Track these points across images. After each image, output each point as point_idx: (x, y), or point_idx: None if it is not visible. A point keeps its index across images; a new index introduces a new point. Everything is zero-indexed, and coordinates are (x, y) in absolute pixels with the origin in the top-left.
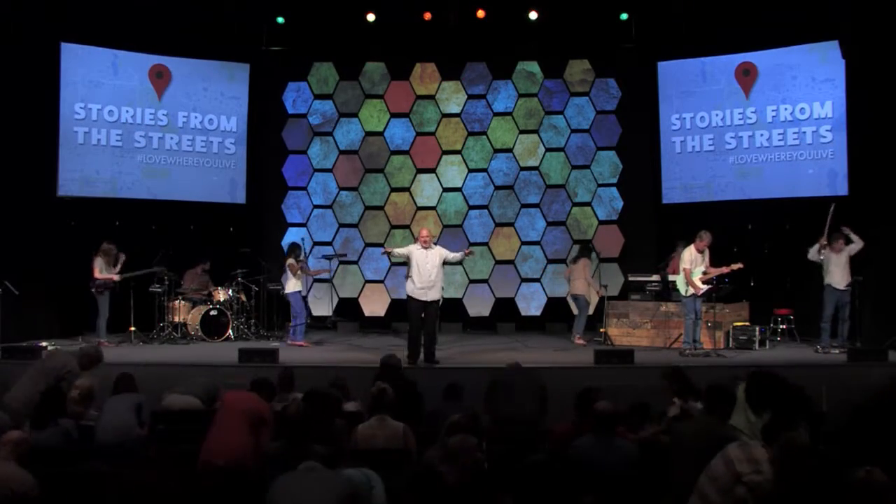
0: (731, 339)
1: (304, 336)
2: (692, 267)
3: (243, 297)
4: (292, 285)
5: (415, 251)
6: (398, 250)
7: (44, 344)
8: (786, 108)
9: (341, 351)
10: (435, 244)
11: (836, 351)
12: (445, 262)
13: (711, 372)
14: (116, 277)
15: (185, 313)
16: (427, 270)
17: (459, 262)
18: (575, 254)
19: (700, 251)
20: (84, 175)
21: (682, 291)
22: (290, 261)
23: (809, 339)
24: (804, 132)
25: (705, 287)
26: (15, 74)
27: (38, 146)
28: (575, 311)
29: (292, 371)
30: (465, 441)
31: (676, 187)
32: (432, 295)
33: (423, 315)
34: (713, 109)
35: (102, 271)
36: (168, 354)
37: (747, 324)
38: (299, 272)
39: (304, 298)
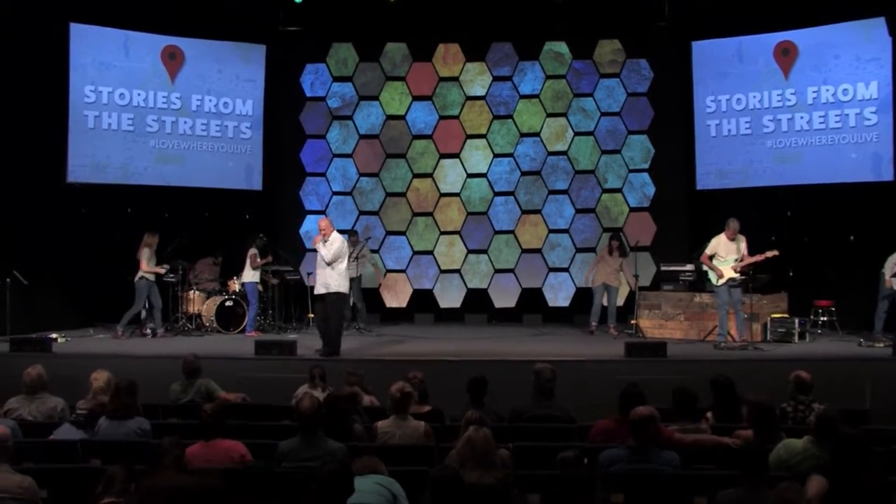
0: (768, 332)
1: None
2: (713, 253)
3: (260, 288)
4: (249, 275)
5: (318, 246)
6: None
7: (54, 336)
8: (827, 90)
9: (361, 344)
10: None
11: (881, 345)
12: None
13: (747, 367)
14: (161, 271)
15: (199, 304)
16: (318, 265)
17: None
18: None
19: (731, 239)
20: (94, 161)
21: (713, 281)
22: (253, 251)
23: (853, 332)
24: (847, 114)
25: (734, 274)
26: (23, 56)
27: (46, 131)
28: None
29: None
30: (486, 440)
31: (711, 173)
32: (322, 289)
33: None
34: (750, 91)
35: (150, 263)
36: (182, 347)
37: (786, 316)
38: (257, 262)
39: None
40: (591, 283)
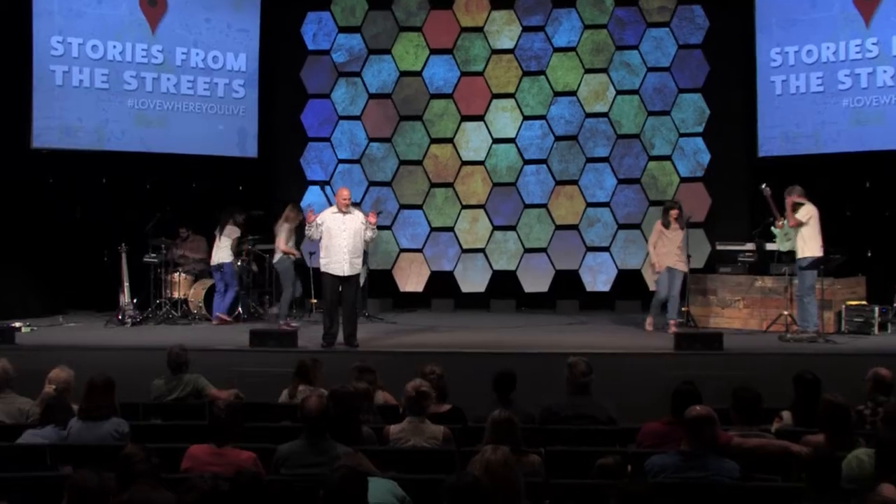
0: (843, 322)
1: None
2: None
3: (255, 269)
4: (228, 255)
5: (328, 216)
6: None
7: (17, 325)
8: None
9: (371, 334)
10: (359, 209)
11: None
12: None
13: (819, 362)
14: (296, 253)
15: (185, 288)
16: (342, 239)
17: (370, 239)
18: None
19: (793, 211)
20: (64, 123)
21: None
22: (232, 226)
23: None
24: None
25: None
26: None
27: (7, 89)
28: None
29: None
30: (506, 464)
31: (776, 137)
32: (349, 269)
33: (339, 292)
34: (823, 41)
35: (289, 242)
36: (165, 337)
37: (864, 303)
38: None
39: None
40: (656, 269)
